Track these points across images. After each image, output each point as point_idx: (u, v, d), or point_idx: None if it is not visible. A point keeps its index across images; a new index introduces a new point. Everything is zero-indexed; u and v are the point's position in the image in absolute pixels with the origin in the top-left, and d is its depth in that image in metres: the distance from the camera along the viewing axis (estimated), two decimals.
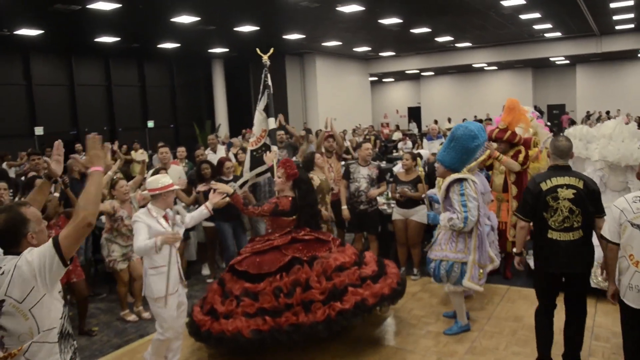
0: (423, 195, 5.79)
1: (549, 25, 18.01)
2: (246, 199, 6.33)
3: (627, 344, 3.73)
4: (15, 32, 13.18)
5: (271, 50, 6.02)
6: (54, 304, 2.44)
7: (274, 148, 5.81)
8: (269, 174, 5.96)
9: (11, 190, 6.40)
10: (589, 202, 3.85)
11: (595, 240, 3.95)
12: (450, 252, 4.81)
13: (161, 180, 4.25)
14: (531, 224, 4.10)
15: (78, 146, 13.04)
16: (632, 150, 5.56)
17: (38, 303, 2.35)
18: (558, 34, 20.14)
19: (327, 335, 4.43)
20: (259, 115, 5.90)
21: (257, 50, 6.04)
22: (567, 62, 26.32)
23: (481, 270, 4.81)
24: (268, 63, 5.90)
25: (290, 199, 4.86)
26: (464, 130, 4.77)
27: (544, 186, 3.89)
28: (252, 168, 5.97)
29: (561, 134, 7.17)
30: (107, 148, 5.94)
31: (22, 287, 2.32)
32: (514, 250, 4.35)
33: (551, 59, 24.38)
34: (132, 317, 5.84)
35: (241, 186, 5.95)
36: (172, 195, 4.35)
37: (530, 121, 6.61)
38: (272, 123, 5.85)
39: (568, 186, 3.86)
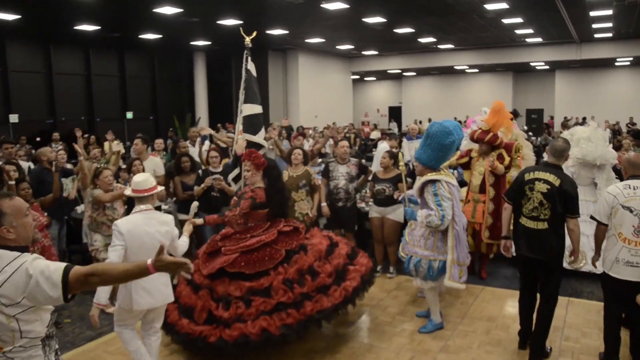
0: (399, 198, 5.71)
1: (530, 31, 18.22)
2: (223, 191, 6.30)
3: (608, 315, 4.20)
4: None
5: (254, 33, 5.84)
6: (42, 315, 2.32)
7: (246, 136, 5.48)
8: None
9: None
10: (559, 200, 4.18)
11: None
12: (419, 249, 4.87)
13: (149, 181, 3.98)
14: None
15: (55, 135, 12.82)
16: (605, 151, 6.42)
17: (25, 311, 2.22)
18: (539, 39, 20.39)
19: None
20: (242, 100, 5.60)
21: (240, 29, 5.83)
22: (547, 67, 26.66)
23: (461, 269, 4.85)
24: (250, 45, 5.62)
25: (264, 189, 4.74)
26: (438, 127, 4.82)
27: (527, 176, 4.36)
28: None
29: (555, 136, 7.71)
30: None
31: (12, 294, 2.19)
32: (502, 234, 4.72)
33: (531, 63, 24.65)
34: (112, 309, 5.73)
35: (235, 180, 5.81)
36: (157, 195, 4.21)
37: (512, 125, 6.74)
38: (248, 109, 5.49)
39: (545, 181, 4.24)
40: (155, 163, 7.26)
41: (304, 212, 6.25)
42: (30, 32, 15.55)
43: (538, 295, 4.51)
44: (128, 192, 4.02)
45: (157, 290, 3.89)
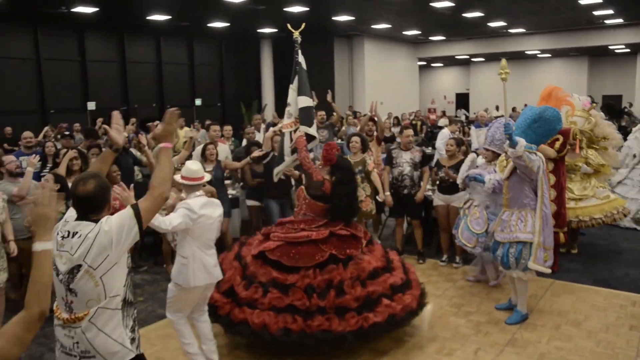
0: (459, 181, 5.71)
1: (610, 11, 17.20)
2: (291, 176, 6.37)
3: None
4: (72, 10, 13.51)
5: (302, 26, 5.83)
6: (120, 273, 2.54)
7: (303, 128, 5.35)
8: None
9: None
10: None
11: None
12: (520, 233, 4.76)
13: (201, 171, 4.17)
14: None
15: (132, 121, 13.31)
16: None
17: (109, 271, 2.46)
18: (620, 20, 19.25)
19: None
20: (292, 93, 5.56)
21: (288, 25, 5.81)
22: (628, 50, 25.16)
23: (546, 253, 4.72)
24: (299, 39, 5.63)
25: (330, 183, 4.56)
26: (552, 112, 4.75)
27: None
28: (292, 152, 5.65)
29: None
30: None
31: (99, 254, 2.43)
32: None
33: (610, 47, 23.35)
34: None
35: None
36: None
37: (574, 105, 6.53)
38: (303, 101, 5.46)
39: None
40: (225, 150, 7.42)
41: (361, 198, 6.19)
42: (106, 23, 16.19)
43: None
44: (178, 178, 4.07)
45: (212, 268, 4.06)
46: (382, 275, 4.48)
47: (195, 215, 3.88)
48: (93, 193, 2.52)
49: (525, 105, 21.47)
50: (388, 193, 6.47)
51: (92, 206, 2.54)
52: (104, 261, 2.43)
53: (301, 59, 5.59)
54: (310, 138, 5.33)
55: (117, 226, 2.45)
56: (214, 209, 4.08)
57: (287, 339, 4.10)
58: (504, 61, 4.95)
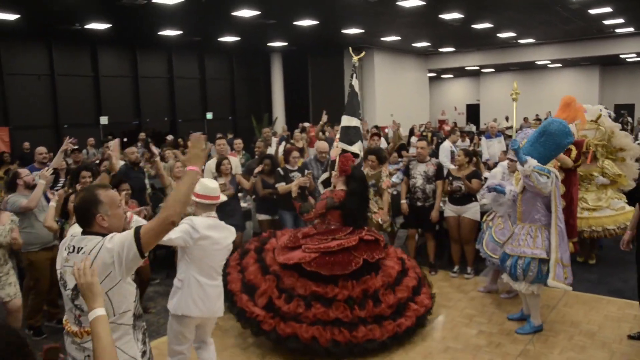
0: (481, 190, 5.71)
1: (620, 20, 17.15)
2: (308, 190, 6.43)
3: None
4: (86, 27, 13.75)
5: (362, 53, 5.95)
6: (129, 289, 2.52)
7: (341, 144, 5.51)
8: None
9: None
10: None
11: None
12: (528, 248, 4.72)
13: (218, 189, 3.81)
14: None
15: (142, 135, 13.45)
16: None
17: (115, 287, 2.42)
18: (630, 29, 19.18)
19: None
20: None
21: (350, 50, 6.04)
22: (639, 59, 25.05)
23: (565, 269, 4.68)
24: (357, 64, 5.82)
25: (344, 192, 4.90)
26: (558, 125, 4.61)
27: None
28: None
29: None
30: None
31: (101, 271, 2.38)
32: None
33: (621, 55, 23.25)
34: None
35: (324, 184, 5.77)
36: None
37: (586, 119, 6.46)
38: (345, 120, 5.64)
39: None
40: (235, 163, 7.47)
41: (371, 211, 6.23)
42: (119, 39, 16.45)
43: None
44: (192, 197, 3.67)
45: (213, 301, 3.74)
46: (403, 279, 4.86)
47: (197, 234, 3.52)
48: (78, 206, 2.56)
49: (536, 115, 21.36)
50: (404, 201, 6.54)
51: (79, 218, 2.58)
52: (106, 278, 2.39)
53: (355, 82, 5.76)
54: (355, 155, 5.43)
55: (119, 244, 2.41)
56: (225, 235, 3.72)
57: (337, 349, 4.35)
58: (515, 84, 5.25)
